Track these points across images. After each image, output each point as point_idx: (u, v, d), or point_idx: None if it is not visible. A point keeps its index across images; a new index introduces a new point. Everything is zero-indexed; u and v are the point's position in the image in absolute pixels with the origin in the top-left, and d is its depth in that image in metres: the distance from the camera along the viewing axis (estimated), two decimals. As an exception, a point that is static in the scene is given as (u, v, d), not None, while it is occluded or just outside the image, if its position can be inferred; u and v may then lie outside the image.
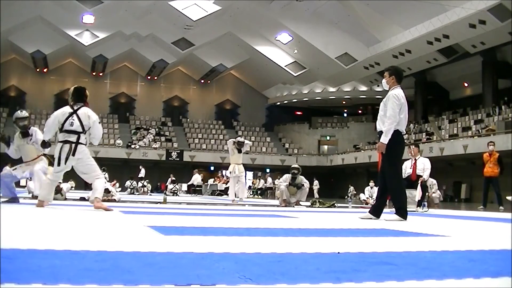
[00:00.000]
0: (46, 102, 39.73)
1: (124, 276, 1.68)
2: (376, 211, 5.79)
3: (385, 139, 5.48)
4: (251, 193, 29.10)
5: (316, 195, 28.29)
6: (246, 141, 12.55)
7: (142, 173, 26.06)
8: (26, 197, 9.78)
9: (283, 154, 38.34)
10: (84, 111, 6.34)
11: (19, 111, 7.95)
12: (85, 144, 6.29)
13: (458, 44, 26.72)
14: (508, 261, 2.34)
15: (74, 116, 6.28)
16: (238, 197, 12.25)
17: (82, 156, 6.23)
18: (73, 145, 6.16)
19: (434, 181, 12.02)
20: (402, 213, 5.58)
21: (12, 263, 1.84)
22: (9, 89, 39.43)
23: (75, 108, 6.34)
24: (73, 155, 6.15)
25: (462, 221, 6.47)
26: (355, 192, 26.15)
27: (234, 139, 12.74)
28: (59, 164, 6.18)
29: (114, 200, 10.18)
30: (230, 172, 12.44)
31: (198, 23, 31.91)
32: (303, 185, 11.10)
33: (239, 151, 12.32)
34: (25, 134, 7.59)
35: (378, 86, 37.36)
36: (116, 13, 31.60)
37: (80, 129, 6.23)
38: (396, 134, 5.55)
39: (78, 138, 6.21)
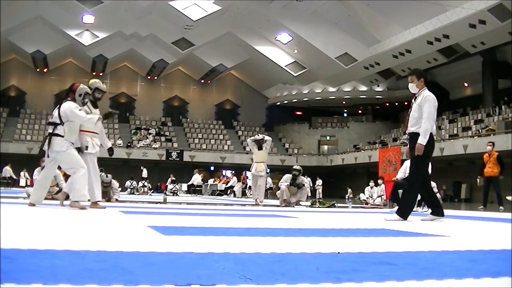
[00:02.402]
0: (46, 102, 39.68)
1: (124, 276, 1.68)
2: (435, 209, 5.79)
3: (423, 140, 5.52)
4: (251, 193, 29.05)
5: (319, 195, 28.27)
6: (266, 137, 11.72)
7: (145, 173, 26.06)
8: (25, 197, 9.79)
9: (283, 154, 38.31)
10: (66, 103, 6.35)
11: (97, 81, 7.34)
12: (63, 136, 6.19)
13: (458, 44, 26.72)
14: (508, 261, 2.34)
15: (56, 109, 6.39)
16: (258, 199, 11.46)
17: (59, 149, 6.16)
18: (49, 136, 6.21)
19: (434, 184, 12.02)
20: (403, 212, 5.58)
21: (12, 263, 1.84)
22: (9, 89, 39.41)
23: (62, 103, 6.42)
24: (49, 146, 6.16)
25: (462, 221, 6.47)
26: (352, 196, 26.14)
27: (252, 138, 12.08)
28: (48, 156, 6.29)
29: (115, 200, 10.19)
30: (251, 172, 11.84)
31: (198, 23, 31.89)
32: (303, 185, 11.10)
33: (259, 148, 11.45)
34: (96, 106, 7.18)
35: (378, 86, 37.41)
36: (116, 13, 31.59)
37: (57, 120, 6.24)
38: (429, 135, 5.62)
39: (54, 129, 6.20)
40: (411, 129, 5.72)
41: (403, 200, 5.80)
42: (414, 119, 5.69)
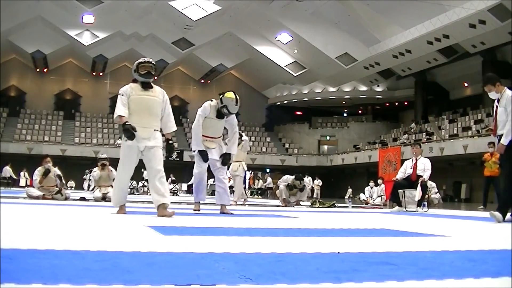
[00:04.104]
0: (46, 102, 39.72)
1: (124, 276, 1.68)
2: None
3: (505, 140, 5.49)
4: (251, 193, 29.08)
5: (317, 195, 28.26)
6: (243, 137, 11.39)
7: (146, 175, 26.03)
8: (25, 197, 9.79)
9: (283, 154, 38.32)
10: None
11: (233, 99, 6.61)
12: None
13: (458, 44, 26.72)
14: (508, 261, 2.34)
15: None
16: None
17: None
18: None
19: (434, 184, 12.02)
20: (503, 211, 5.53)
21: (12, 263, 1.84)
22: (9, 89, 39.42)
23: None
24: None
25: (462, 221, 6.47)
26: (352, 196, 26.17)
27: None
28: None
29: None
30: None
31: (198, 23, 31.91)
32: (304, 185, 11.08)
33: None
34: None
35: (378, 86, 37.41)
36: (116, 13, 31.59)
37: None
38: None
39: None
40: (499, 132, 5.68)
41: (499, 199, 5.73)
42: (502, 122, 5.65)
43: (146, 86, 5.47)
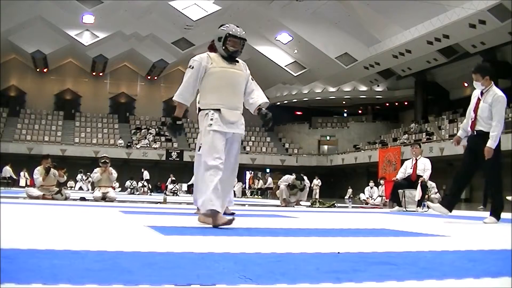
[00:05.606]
0: (46, 102, 39.73)
1: (124, 276, 1.68)
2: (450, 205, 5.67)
3: (493, 144, 5.33)
4: (251, 193, 29.12)
5: (316, 195, 28.23)
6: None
7: (146, 175, 26.07)
8: (24, 196, 9.79)
9: (283, 154, 38.31)
10: None
11: None
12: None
13: (458, 44, 26.73)
14: (508, 261, 2.34)
15: None
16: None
17: None
18: None
19: (433, 184, 12.00)
20: (497, 214, 5.50)
21: (12, 263, 1.84)
22: (9, 89, 39.44)
23: None
24: None
25: (462, 221, 6.47)
26: (352, 196, 26.17)
27: None
28: None
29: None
30: None
31: (198, 23, 31.88)
32: (304, 185, 11.08)
33: None
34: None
35: (378, 86, 37.41)
36: (116, 13, 31.59)
37: None
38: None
39: None
40: (479, 127, 5.50)
41: (493, 202, 5.67)
42: (482, 119, 5.49)
43: (231, 59, 4.27)
